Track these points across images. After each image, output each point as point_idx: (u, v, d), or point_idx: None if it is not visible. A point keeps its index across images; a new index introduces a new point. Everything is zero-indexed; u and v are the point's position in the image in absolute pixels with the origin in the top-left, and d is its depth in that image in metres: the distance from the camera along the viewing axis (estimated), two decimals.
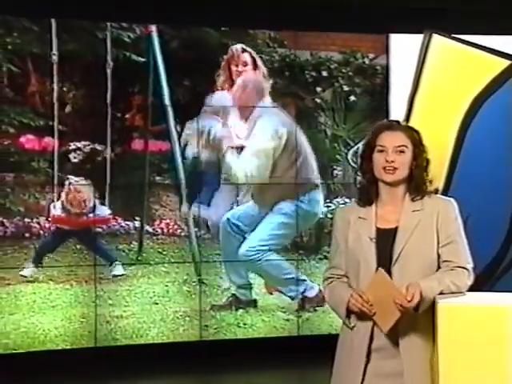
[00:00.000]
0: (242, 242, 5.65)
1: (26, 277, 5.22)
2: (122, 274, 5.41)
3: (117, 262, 5.41)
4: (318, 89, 5.77)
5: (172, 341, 5.45)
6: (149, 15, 5.39)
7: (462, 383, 2.28)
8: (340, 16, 5.57)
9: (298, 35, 5.72)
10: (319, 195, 5.74)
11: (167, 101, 5.47)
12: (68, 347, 5.24)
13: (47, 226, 5.30)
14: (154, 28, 5.42)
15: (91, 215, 5.38)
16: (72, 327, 5.25)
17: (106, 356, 5.26)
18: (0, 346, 5.10)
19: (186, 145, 5.54)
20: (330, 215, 5.61)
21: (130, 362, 5.19)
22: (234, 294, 5.63)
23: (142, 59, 5.42)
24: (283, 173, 5.64)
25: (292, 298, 5.70)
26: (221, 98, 5.58)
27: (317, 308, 5.67)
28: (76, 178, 5.31)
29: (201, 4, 5.39)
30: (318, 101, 5.76)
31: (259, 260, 5.61)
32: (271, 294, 5.71)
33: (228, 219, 5.59)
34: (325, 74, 5.78)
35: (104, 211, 5.42)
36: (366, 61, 5.85)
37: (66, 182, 5.28)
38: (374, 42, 5.83)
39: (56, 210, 5.30)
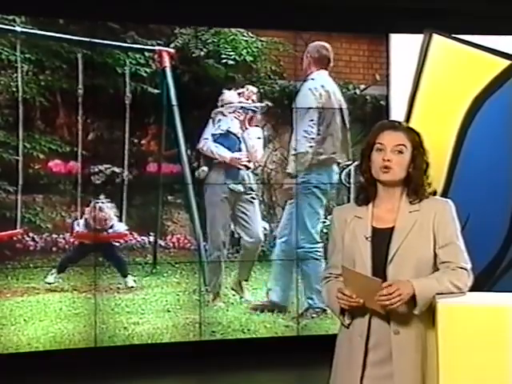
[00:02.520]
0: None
1: (50, 283, 5.60)
2: (133, 286, 5.80)
3: (129, 276, 5.81)
4: None
5: (172, 341, 5.71)
6: (150, 15, 5.62)
7: (462, 383, 2.27)
8: (340, 16, 5.69)
9: (297, 68, 6.11)
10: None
11: (179, 128, 5.85)
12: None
13: (72, 240, 5.69)
14: (168, 64, 5.83)
15: (110, 231, 5.81)
16: (93, 332, 5.60)
17: (106, 356, 5.46)
18: (32, 350, 5.44)
19: None
20: (325, 230, 5.93)
21: (130, 362, 5.35)
22: (307, 308, 5.92)
23: (157, 91, 5.82)
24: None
25: (307, 309, 5.94)
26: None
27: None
28: (102, 200, 5.72)
29: (200, 4, 5.53)
30: None
31: (316, 252, 5.86)
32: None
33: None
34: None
35: (121, 227, 5.84)
36: (357, 91, 6.20)
37: (92, 202, 5.71)
38: (364, 74, 6.27)
39: (79, 226, 5.72)
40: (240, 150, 6.00)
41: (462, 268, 2.43)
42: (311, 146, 6.00)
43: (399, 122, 2.58)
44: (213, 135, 5.95)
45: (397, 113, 5.50)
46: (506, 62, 3.31)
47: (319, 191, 6.02)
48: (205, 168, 5.93)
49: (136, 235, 5.90)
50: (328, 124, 6.04)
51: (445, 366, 2.27)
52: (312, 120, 6.01)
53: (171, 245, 5.95)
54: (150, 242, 5.92)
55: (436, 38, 3.37)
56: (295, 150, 6.01)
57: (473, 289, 2.47)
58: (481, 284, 2.74)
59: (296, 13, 5.61)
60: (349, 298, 2.38)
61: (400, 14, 5.52)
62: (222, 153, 5.95)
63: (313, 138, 6.00)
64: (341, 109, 6.08)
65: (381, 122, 2.56)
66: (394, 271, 2.40)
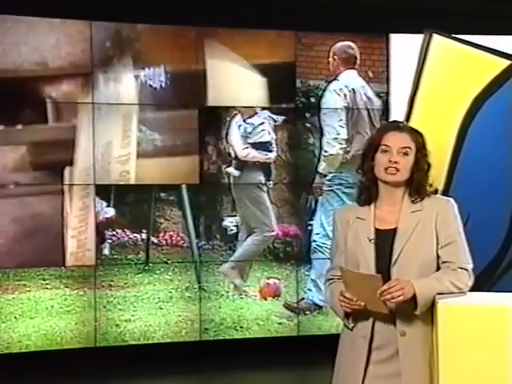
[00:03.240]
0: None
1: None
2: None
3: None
4: (307, 114, 6.15)
5: (172, 341, 5.72)
6: (147, 14, 5.62)
7: (462, 383, 2.26)
8: (340, 16, 5.71)
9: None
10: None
11: None
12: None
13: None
14: None
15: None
16: (86, 330, 5.58)
17: (106, 356, 5.45)
18: (23, 347, 5.43)
19: None
20: None
21: (130, 362, 5.35)
22: (303, 298, 6.02)
23: None
24: None
25: (302, 299, 5.99)
26: None
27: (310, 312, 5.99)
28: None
29: (201, 4, 5.55)
30: (308, 125, 6.14)
31: (326, 249, 5.76)
32: (265, 299, 5.99)
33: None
34: (313, 100, 6.14)
35: (109, 212, 5.81)
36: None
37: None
38: (358, 71, 6.24)
39: None
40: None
41: (462, 268, 2.42)
42: (341, 148, 6.04)
43: (403, 123, 2.57)
44: (253, 144, 6.05)
45: (396, 111, 5.50)
46: (506, 62, 3.24)
47: (340, 190, 6.03)
48: (235, 172, 5.99)
49: (129, 232, 5.88)
50: (354, 123, 6.08)
51: (445, 365, 2.26)
52: (341, 120, 6.05)
53: (164, 242, 5.93)
54: (142, 239, 5.90)
55: (436, 37, 3.29)
56: (326, 151, 6.06)
57: (473, 289, 2.45)
58: (481, 284, 2.69)
59: (296, 13, 5.63)
60: (350, 301, 2.36)
61: (400, 14, 5.56)
62: (267, 156, 6.06)
63: (344, 139, 6.05)
64: (367, 108, 6.13)
65: (385, 123, 2.71)
66: (398, 273, 2.38)
